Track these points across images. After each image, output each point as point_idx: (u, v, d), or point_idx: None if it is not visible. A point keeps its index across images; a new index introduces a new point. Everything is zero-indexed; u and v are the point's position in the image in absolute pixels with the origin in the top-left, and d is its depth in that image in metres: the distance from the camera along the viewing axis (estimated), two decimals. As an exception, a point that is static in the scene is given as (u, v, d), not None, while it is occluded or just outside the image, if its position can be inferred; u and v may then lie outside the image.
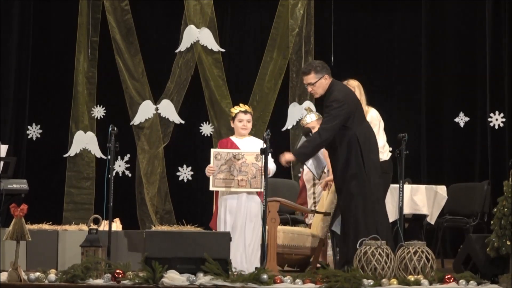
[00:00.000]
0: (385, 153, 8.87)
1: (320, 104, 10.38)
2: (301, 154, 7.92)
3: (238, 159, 7.92)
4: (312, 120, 8.93)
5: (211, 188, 8.03)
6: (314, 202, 8.82)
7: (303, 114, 10.76)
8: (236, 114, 8.14)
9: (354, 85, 8.77)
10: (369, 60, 11.04)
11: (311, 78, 7.89)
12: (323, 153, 8.84)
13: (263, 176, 7.79)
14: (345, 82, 8.76)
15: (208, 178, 8.05)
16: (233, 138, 8.23)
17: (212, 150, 8.03)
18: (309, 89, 7.98)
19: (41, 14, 11.11)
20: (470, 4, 10.65)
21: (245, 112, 8.13)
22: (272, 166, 8.15)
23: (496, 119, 10.35)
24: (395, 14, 11.12)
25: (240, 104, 8.25)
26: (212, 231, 8.05)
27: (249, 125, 8.17)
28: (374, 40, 11.07)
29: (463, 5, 10.69)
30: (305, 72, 7.96)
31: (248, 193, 7.93)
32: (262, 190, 7.82)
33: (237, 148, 8.08)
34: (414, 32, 10.97)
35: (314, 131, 8.90)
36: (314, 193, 8.87)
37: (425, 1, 10.78)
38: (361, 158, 7.80)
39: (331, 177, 8.68)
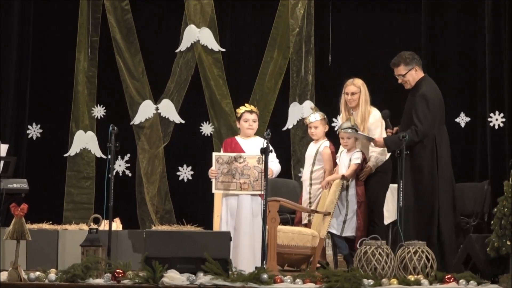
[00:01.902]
0: (386, 154, 8.90)
1: (321, 104, 10.42)
2: (391, 145, 8.12)
3: (240, 162, 7.94)
4: (316, 119, 8.94)
5: (213, 191, 8.05)
6: (310, 203, 8.83)
7: (303, 114, 10.78)
8: (242, 114, 8.17)
9: (359, 84, 8.82)
10: (369, 59, 11.03)
11: (400, 69, 8.10)
12: (323, 155, 8.85)
13: (265, 177, 7.81)
14: (350, 80, 8.81)
15: (210, 179, 8.07)
16: (238, 138, 8.24)
17: (214, 154, 8.05)
18: (400, 80, 8.14)
19: (41, 14, 11.11)
20: (470, 4, 10.64)
21: (251, 112, 8.16)
22: (276, 167, 8.16)
23: (496, 119, 10.34)
24: (395, 14, 11.12)
25: (246, 104, 8.28)
26: (212, 230, 8.08)
27: (255, 125, 8.20)
28: (374, 40, 11.07)
29: (463, 5, 10.69)
30: (395, 63, 8.14)
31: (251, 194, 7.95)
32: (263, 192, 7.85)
33: (241, 148, 8.10)
34: (414, 32, 10.97)
35: (317, 130, 8.92)
36: (309, 193, 8.87)
37: (425, 1, 10.78)
38: (436, 159, 7.90)
39: (331, 176, 8.70)
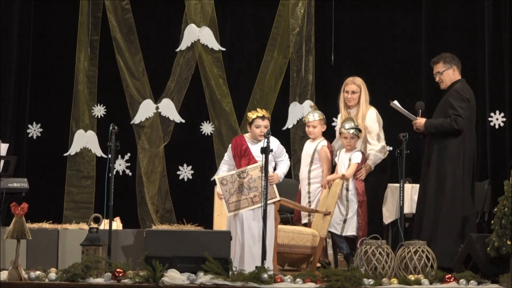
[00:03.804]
0: (384, 152, 8.92)
1: (322, 103, 10.41)
2: (430, 128, 8.29)
3: (244, 177, 7.88)
4: (314, 119, 8.94)
5: (228, 215, 7.98)
6: (309, 202, 8.83)
7: (304, 113, 10.78)
8: (254, 119, 8.05)
9: (359, 83, 8.86)
10: (370, 59, 11.04)
11: (439, 67, 8.35)
12: (321, 154, 8.85)
13: (274, 185, 7.80)
14: (351, 79, 8.84)
15: (210, 179, 8.05)
16: (248, 140, 8.09)
17: (217, 178, 7.98)
18: (437, 78, 8.44)
19: (41, 13, 11.10)
20: (470, 4, 10.64)
21: (263, 117, 8.06)
22: (283, 170, 8.10)
23: (497, 119, 10.34)
24: (395, 14, 11.12)
25: (258, 109, 8.19)
26: (212, 230, 8.05)
27: (266, 131, 8.07)
28: (374, 40, 11.07)
29: (463, 5, 10.68)
30: (435, 61, 8.42)
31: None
32: (278, 199, 7.81)
33: (252, 154, 7.99)
34: (415, 31, 10.97)
35: (315, 130, 8.93)
36: (309, 192, 8.87)
37: (425, 1, 10.78)
38: (463, 159, 8.13)
39: (331, 176, 8.70)
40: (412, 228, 9.37)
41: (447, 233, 7.99)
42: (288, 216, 9.61)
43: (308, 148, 8.99)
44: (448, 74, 8.32)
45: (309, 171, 8.87)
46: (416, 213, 8.39)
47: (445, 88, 8.38)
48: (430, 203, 8.13)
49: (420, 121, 8.33)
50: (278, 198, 7.88)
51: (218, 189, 7.97)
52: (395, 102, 8.58)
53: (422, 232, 8.04)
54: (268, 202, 7.59)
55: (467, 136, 8.20)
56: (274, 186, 7.90)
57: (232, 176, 7.90)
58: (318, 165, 8.86)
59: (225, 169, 8.12)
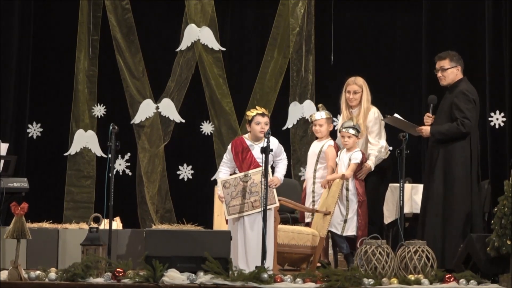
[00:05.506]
0: (385, 152, 8.92)
1: (322, 103, 10.40)
2: (437, 135, 8.23)
3: (246, 181, 7.86)
4: (321, 117, 8.96)
5: (227, 217, 7.95)
6: (313, 201, 8.83)
7: (304, 113, 10.80)
8: (254, 117, 8.02)
9: (361, 83, 8.86)
10: (370, 59, 11.04)
11: (445, 63, 8.32)
12: (327, 154, 8.85)
13: (274, 190, 7.79)
14: (352, 79, 8.85)
15: (210, 178, 8.04)
16: (248, 142, 8.06)
17: (219, 180, 7.94)
18: (439, 74, 8.38)
19: (41, 12, 11.10)
20: (470, 4, 10.64)
21: (263, 114, 8.03)
22: (282, 171, 8.08)
23: (497, 119, 10.35)
24: (396, 14, 11.12)
25: (257, 107, 8.17)
26: (212, 229, 8.03)
27: (267, 128, 8.04)
28: (374, 40, 11.07)
29: (463, 5, 10.69)
30: (441, 56, 8.38)
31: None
32: (277, 204, 7.79)
33: (253, 155, 7.97)
34: (415, 31, 10.97)
35: (322, 128, 8.94)
36: (313, 191, 8.87)
37: (425, 1, 10.78)
38: (470, 159, 8.13)
39: (331, 176, 8.70)
40: (412, 228, 9.39)
41: (457, 234, 7.97)
42: (288, 216, 9.61)
43: (315, 147, 9.00)
44: (452, 72, 8.32)
45: (315, 171, 8.87)
46: (421, 215, 8.36)
47: (446, 85, 8.37)
48: (438, 205, 8.09)
49: (426, 128, 8.29)
50: (277, 204, 7.86)
51: (219, 191, 7.94)
52: (396, 115, 8.54)
53: (428, 234, 8.02)
54: (268, 207, 7.56)
55: (473, 137, 8.20)
56: (274, 191, 7.87)
57: (235, 179, 7.88)
58: (324, 164, 8.87)
59: (225, 171, 8.08)
